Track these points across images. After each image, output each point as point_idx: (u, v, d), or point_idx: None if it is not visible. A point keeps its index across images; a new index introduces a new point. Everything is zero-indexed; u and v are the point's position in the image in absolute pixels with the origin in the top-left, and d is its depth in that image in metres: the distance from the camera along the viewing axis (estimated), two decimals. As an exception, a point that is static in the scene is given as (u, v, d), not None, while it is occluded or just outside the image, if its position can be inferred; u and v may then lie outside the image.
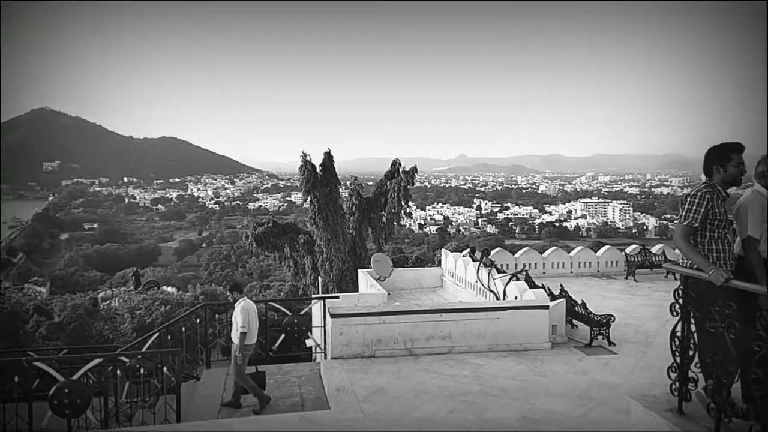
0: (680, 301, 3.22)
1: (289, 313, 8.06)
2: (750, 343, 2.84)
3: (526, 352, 7.00)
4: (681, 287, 3.26)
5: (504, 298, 9.27)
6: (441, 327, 7.03)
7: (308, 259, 21.60)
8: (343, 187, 23.73)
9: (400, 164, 22.71)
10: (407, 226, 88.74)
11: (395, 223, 22.72)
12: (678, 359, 3.21)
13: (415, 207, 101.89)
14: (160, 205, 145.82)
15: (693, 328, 3.31)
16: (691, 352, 3.26)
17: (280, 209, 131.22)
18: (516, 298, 8.64)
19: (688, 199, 3.47)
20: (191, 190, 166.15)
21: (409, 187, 22.28)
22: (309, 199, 21.25)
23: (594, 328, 7.44)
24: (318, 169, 21.23)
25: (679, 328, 3.21)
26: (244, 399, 5.91)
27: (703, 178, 3.67)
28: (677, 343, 3.22)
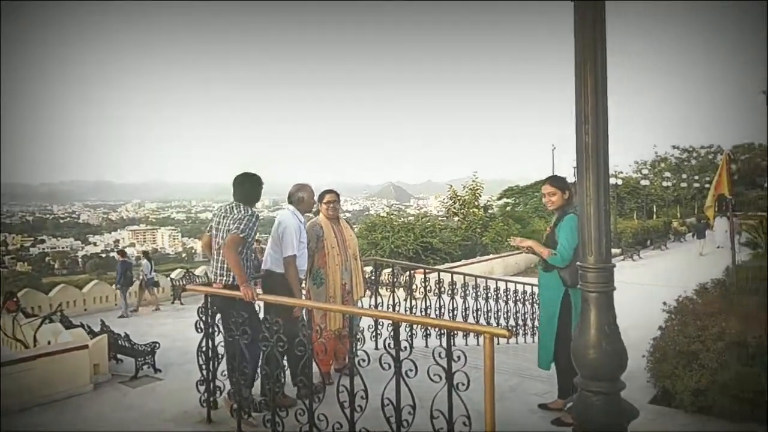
0: (203, 317, 3.56)
1: None
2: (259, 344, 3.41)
3: (67, 401, 6.24)
4: (203, 305, 3.61)
5: (35, 346, 8.07)
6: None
7: None
8: None
9: None
10: None
11: None
12: (205, 372, 3.54)
13: None
14: None
15: (220, 339, 3.71)
16: (217, 363, 3.66)
17: None
18: (49, 342, 7.66)
19: (246, 215, 3.82)
20: None
21: None
22: None
23: (139, 359, 7.30)
24: None
25: (204, 343, 3.55)
26: None
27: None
28: (203, 357, 3.55)
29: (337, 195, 4.80)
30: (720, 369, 3.82)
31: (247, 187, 4.00)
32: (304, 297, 4.57)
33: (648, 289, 10.47)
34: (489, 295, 7.30)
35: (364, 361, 3.06)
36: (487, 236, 22.27)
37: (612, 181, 29.20)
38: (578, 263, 2.33)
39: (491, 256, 19.25)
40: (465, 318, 6.72)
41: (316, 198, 4.59)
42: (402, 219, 24.02)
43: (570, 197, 3.82)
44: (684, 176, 41.77)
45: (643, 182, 36.94)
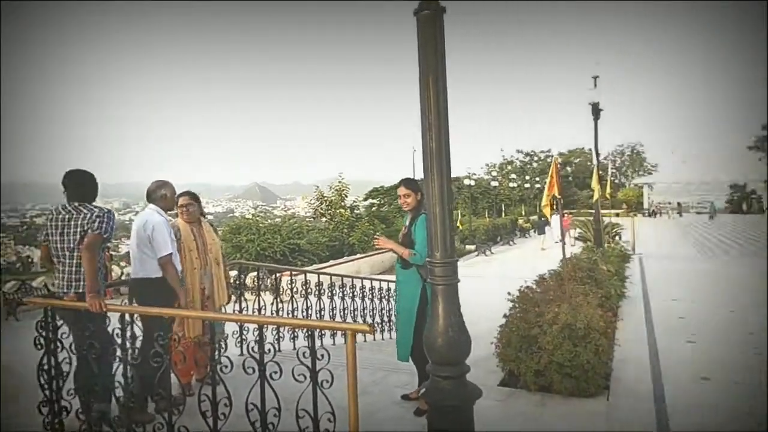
0: (43, 333, 3.25)
1: None
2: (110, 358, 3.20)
3: None
4: (42, 319, 3.29)
5: None
6: None
7: None
8: None
9: None
10: None
11: None
12: (47, 393, 3.24)
13: None
14: None
15: (64, 356, 3.40)
16: (62, 382, 3.35)
17: None
18: None
19: (104, 213, 3.59)
20: None
21: None
22: None
23: (-37, 387, 6.39)
24: None
25: (45, 360, 3.24)
26: None
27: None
28: (45, 377, 3.23)
29: (193, 197, 4.61)
30: (555, 350, 4.31)
31: (88, 184, 3.74)
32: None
33: (498, 282, 11.41)
34: (355, 293, 7.48)
35: (226, 367, 3.01)
36: (354, 236, 22.74)
37: (466, 182, 31.38)
38: (427, 259, 2.52)
39: (358, 255, 19.68)
40: (333, 317, 6.83)
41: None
42: (269, 221, 23.63)
43: (423, 198, 4.07)
44: (527, 178, 46.19)
45: (493, 183, 40.19)
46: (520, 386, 4.54)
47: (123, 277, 14.54)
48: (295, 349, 5.81)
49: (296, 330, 6.18)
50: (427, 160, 2.43)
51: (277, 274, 7.15)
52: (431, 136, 2.38)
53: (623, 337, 6.34)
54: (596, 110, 13.82)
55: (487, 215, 37.70)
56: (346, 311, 7.19)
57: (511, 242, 27.96)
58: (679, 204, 52.86)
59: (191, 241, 4.49)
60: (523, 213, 40.24)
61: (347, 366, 2.68)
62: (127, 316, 3.28)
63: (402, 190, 4.12)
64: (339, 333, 6.31)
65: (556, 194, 5.66)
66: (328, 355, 2.82)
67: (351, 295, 7.39)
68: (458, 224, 27.92)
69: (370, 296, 7.99)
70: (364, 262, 18.21)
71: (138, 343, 3.31)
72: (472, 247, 24.14)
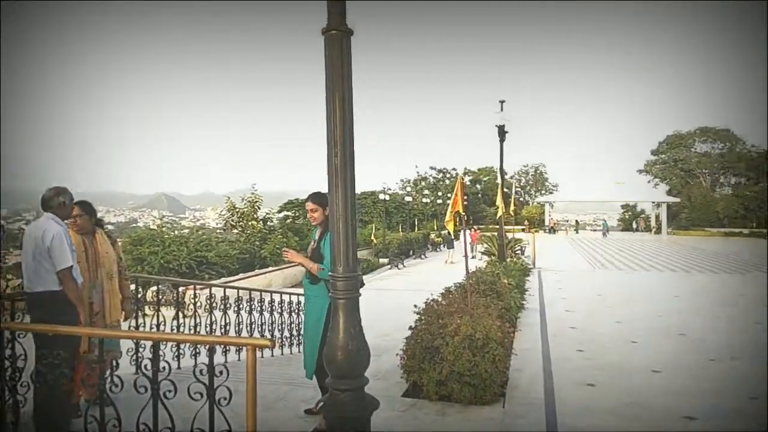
0: None
1: None
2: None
3: None
4: None
5: None
6: None
7: None
8: None
9: None
10: None
11: None
12: None
13: None
14: None
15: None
16: None
17: None
18: None
19: (1, 227, 3.26)
20: None
21: None
22: None
23: None
24: None
25: None
26: None
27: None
28: None
29: (84, 208, 4.34)
30: (456, 360, 4.47)
31: None
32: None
33: (409, 294, 11.66)
34: (264, 307, 7.33)
35: (117, 386, 2.85)
36: (266, 249, 22.28)
37: (381, 197, 31.88)
38: (329, 273, 2.55)
39: (270, 268, 19.30)
40: (239, 332, 6.64)
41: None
42: (175, 232, 22.61)
43: None
44: (440, 194, 47.64)
45: (407, 198, 41.10)
46: (422, 396, 4.65)
47: (8, 291, 13.27)
48: (196, 365, 5.60)
49: (198, 346, 5.96)
50: (331, 176, 2.47)
51: (181, 288, 6.85)
52: (336, 153, 2.43)
53: (520, 347, 6.68)
54: (502, 132, 14.60)
55: (400, 229, 38.34)
56: (253, 326, 7.02)
57: (422, 256, 28.61)
58: (576, 222, 56.75)
59: (80, 252, 4.24)
60: (435, 228, 41.37)
61: (247, 381, 2.64)
62: (7, 334, 3.03)
63: (309, 205, 4.10)
64: (245, 348, 6.19)
65: (460, 211, 5.90)
66: (227, 371, 2.76)
67: (259, 309, 7.23)
68: (372, 238, 28.17)
69: (280, 310, 7.86)
70: (276, 275, 17.90)
71: (20, 363, 3.08)
72: (386, 260, 24.46)
